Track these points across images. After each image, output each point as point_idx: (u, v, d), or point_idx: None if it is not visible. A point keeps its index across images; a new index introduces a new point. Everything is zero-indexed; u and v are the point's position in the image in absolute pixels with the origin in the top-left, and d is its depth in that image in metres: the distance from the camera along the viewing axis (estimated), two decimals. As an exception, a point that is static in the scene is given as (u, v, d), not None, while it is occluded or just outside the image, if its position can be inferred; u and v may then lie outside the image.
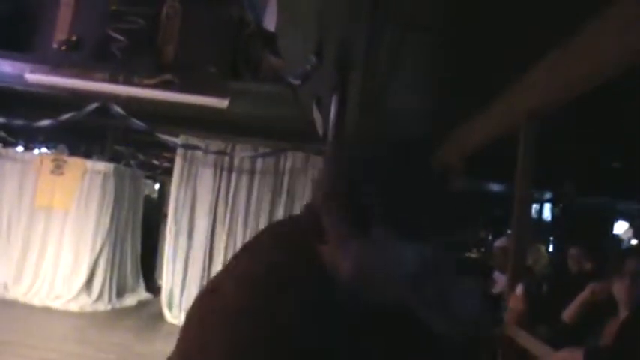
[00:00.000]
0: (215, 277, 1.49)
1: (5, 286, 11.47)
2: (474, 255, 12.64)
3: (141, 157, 13.94)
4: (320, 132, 7.15)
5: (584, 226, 15.43)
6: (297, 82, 5.92)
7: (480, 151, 7.58)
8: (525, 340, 4.56)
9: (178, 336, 1.41)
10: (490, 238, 13.64)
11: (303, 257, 1.39)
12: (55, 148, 13.95)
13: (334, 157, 1.53)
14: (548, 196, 17.29)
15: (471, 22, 4.63)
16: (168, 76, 9.48)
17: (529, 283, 5.56)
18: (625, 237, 17.34)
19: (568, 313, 4.56)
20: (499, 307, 5.58)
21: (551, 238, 18.04)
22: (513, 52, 4.89)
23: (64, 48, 9.95)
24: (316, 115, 7.02)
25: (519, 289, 5.07)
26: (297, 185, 11.23)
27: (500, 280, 7.04)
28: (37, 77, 9.85)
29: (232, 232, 11.20)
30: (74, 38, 9.99)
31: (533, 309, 5.03)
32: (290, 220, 1.56)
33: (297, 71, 5.73)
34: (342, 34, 5.34)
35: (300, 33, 5.34)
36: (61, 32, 10.17)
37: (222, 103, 9.46)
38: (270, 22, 5.10)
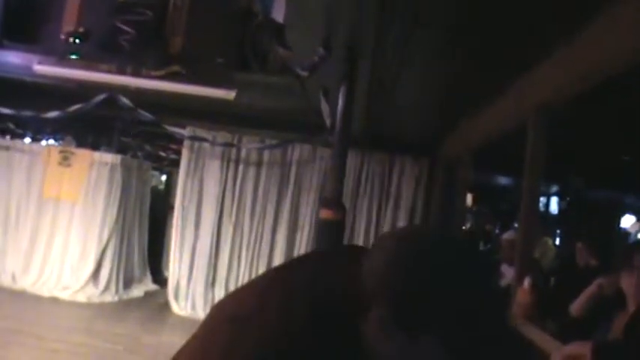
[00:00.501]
0: (241, 296, 1.49)
1: (13, 277, 11.51)
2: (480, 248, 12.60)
3: (148, 148, 13.93)
4: (327, 123, 7.16)
5: (591, 220, 15.42)
6: (304, 73, 5.92)
7: (488, 144, 7.57)
8: (533, 333, 4.55)
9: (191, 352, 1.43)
10: (497, 231, 13.62)
11: (344, 320, 1.36)
12: (62, 139, 13.97)
13: (402, 246, 1.46)
14: (555, 189, 17.28)
15: (480, 16, 4.62)
16: (175, 68, 9.48)
17: (536, 276, 5.56)
18: (632, 231, 17.32)
19: (576, 307, 4.56)
20: (507, 301, 5.57)
21: (558, 232, 18.04)
22: (522, 45, 4.88)
23: (72, 39, 9.94)
24: (324, 107, 7.03)
25: (527, 282, 5.06)
26: (305, 177, 11.22)
27: (508, 273, 7.04)
28: (45, 68, 9.87)
29: (239, 223, 11.19)
30: (82, 30, 9.99)
31: (541, 302, 5.02)
32: (336, 274, 1.46)
33: (305, 63, 5.73)
34: (350, 26, 5.33)
35: (308, 24, 5.33)
36: (68, 24, 10.17)
37: (230, 94, 9.45)
38: (278, 14, 5.09)
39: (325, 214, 5.84)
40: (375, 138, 10.31)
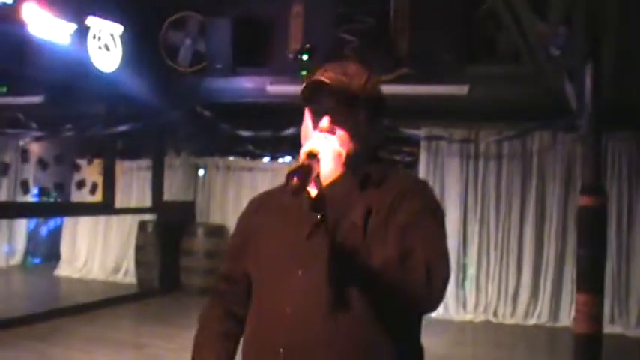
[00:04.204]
0: None
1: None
2: None
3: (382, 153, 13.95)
4: (573, 106, 6.79)
5: None
6: (557, 52, 5.63)
7: None
8: None
9: None
10: None
11: None
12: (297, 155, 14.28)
13: None
14: None
15: None
16: (404, 70, 9.43)
17: None
18: None
19: None
20: None
21: None
22: None
23: (299, 56, 10.16)
24: (568, 89, 6.67)
25: None
26: (547, 165, 10.75)
27: None
28: (277, 88, 10.17)
29: (484, 219, 10.86)
30: (308, 46, 10.17)
31: None
32: None
33: (557, 41, 5.43)
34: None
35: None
36: (294, 42, 10.42)
37: (462, 89, 9.27)
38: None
39: (586, 201, 5.53)
40: (621, 115, 9.68)
